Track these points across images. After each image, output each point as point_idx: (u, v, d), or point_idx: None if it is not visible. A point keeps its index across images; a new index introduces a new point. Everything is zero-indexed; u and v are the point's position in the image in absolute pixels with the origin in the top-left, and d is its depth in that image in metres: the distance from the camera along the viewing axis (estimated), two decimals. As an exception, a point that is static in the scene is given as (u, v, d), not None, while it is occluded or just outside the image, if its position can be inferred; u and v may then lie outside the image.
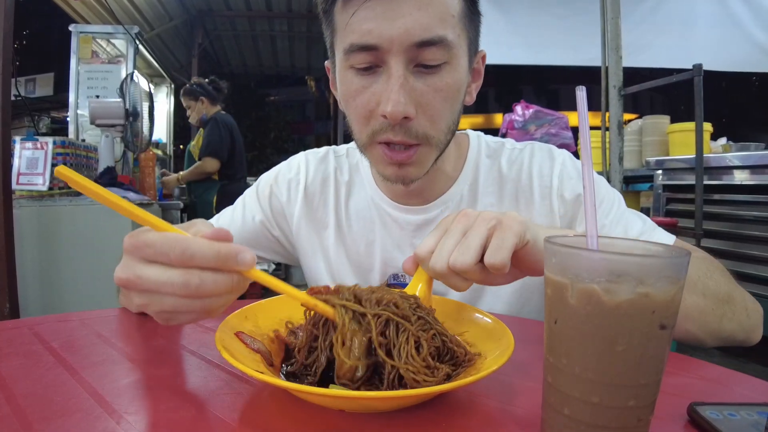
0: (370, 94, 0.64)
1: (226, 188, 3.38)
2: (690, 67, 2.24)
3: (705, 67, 2.21)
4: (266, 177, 0.90)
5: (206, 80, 3.40)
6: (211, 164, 3.33)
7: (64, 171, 0.37)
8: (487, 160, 0.81)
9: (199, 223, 0.47)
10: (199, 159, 3.38)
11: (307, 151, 0.91)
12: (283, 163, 0.91)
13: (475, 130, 0.88)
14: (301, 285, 0.46)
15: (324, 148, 0.91)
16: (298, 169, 0.88)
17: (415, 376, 0.40)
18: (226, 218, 0.89)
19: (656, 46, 3.70)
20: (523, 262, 0.52)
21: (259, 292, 4.30)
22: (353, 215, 0.84)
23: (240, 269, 0.40)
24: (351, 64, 0.64)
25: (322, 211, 0.85)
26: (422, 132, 0.65)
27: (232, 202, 0.92)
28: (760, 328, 0.65)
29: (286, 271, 4.33)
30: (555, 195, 0.77)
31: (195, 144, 3.61)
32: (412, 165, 0.67)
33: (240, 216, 0.88)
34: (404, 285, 0.79)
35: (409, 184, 0.70)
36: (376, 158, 0.69)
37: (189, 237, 0.39)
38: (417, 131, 0.64)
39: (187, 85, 3.46)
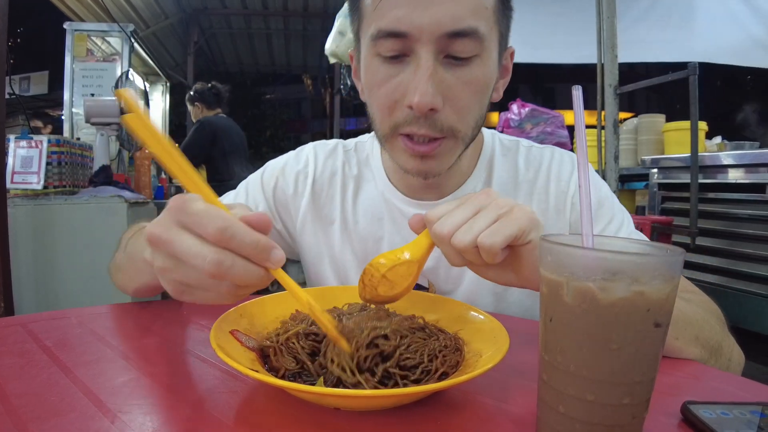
0: (396, 84, 0.62)
1: (216, 190, 3.38)
2: (686, 62, 2.24)
3: (702, 62, 2.22)
4: (272, 166, 0.87)
5: (209, 85, 3.39)
6: None
7: (124, 94, 0.38)
8: (502, 158, 0.80)
9: (238, 207, 0.44)
10: None
11: (315, 143, 0.88)
12: (291, 154, 0.88)
13: None
14: (296, 282, 0.46)
15: (333, 141, 0.88)
16: (307, 161, 0.85)
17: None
18: (228, 203, 0.86)
19: (652, 42, 3.71)
20: (520, 264, 0.50)
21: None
22: (361, 211, 0.81)
23: (270, 266, 0.39)
24: (378, 52, 0.62)
25: (329, 207, 0.83)
26: (448, 125, 0.62)
27: None
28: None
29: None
30: (569, 200, 0.76)
31: None
32: (434, 158, 0.65)
33: (243, 202, 0.84)
34: None
35: (430, 178, 0.68)
36: (398, 150, 0.67)
37: (231, 217, 0.38)
38: (443, 124, 0.62)
39: (189, 92, 3.48)
